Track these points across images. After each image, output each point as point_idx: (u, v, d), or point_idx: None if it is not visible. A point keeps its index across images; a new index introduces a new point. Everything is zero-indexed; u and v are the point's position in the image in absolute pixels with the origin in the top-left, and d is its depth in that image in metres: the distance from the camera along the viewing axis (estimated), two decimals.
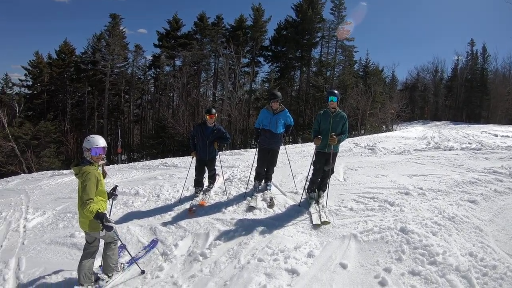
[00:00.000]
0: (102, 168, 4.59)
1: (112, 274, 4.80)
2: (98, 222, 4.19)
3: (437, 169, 8.89)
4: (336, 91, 6.54)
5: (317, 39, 42.99)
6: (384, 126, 38.43)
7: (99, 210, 4.17)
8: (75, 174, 4.40)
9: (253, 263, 4.72)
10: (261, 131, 7.37)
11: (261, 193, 7.38)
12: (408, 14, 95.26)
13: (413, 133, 22.01)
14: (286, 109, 7.43)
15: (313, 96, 39.47)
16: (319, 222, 5.75)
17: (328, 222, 5.73)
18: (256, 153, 7.72)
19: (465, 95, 54.02)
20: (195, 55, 39.18)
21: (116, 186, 5.18)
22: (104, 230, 4.28)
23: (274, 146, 7.34)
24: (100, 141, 4.38)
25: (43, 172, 20.44)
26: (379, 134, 22.20)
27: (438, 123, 45.14)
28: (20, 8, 75.30)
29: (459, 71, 56.22)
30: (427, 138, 17.47)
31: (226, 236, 5.63)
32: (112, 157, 37.01)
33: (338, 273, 4.39)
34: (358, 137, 19.86)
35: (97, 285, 4.62)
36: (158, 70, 42.37)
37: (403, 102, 39.93)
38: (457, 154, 10.98)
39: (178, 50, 39.36)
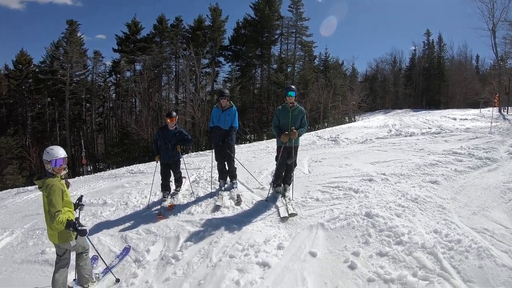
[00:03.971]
0: (65, 178, 4.48)
1: (88, 286, 4.71)
2: (71, 230, 4.12)
3: (399, 155, 9.16)
4: (293, 86, 6.65)
5: (276, 37, 43.38)
6: (346, 118, 39.17)
7: (68, 219, 4.09)
8: (39, 188, 4.31)
9: (224, 260, 4.74)
10: (213, 128, 7.51)
11: (228, 192, 7.41)
12: (365, 7, 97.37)
13: (374, 122, 22.53)
14: (234, 107, 7.54)
15: (275, 93, 39.74)
16: (287, 215, 5.81)
17: (295, 214, 5.81)
18: (213, 151, 7.77)
19: (423, 83, 56.45)
20: (155, 59, 38.76)
21: (82, 196, 5.06)
22: (77, 238, 4.27)
23: (225, 141, 7.39)
24: (59, 152, 4.30)
25: (7, 190, 19.67)
26: (342, 126, 22.57)
27: (399, 111, 46.30)
28: None
29: (416, 60, 58.76)
30: (389, 126, 17.93)
31: (196, 236, 5.63)
32: (77, 169, 36.05)
33: (308, 262, 4.46)
34: (321, 130, 20.16)
35: None
36: (118, 76, 41.57)
37: (364, 93, 40.94)
38: (418, 139, 11.36)
39: (138, 54, 38.74)
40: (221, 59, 43.85)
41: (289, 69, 44.02)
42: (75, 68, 38.18)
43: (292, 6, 43.27)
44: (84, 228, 4.14)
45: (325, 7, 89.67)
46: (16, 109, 38.97)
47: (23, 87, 38.98)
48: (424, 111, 38.06)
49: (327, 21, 71.74)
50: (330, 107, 36.94)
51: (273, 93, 40.29)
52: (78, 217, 4.49)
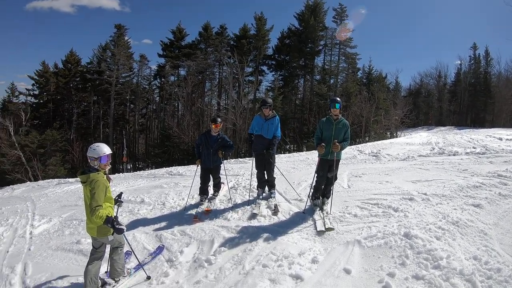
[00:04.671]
0: (106, 174, 4.68)
1: (119, 279, 4.87)
2: (108, 227, 4.30)
3: (441, 174, 8.89)
4: (338, 98, 6.58)
5: (320, 47, 43.09)
6: (388, 133, 38.30)
7: (108, 215, 4.28)
8: (82, 182, 4.48)
9: (257, 269, 4.75)
10: (254, 136, 7.51)
11: (266, 201, 7.43)
12: (410, 20, 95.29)
13: (417, 139, 21.91)
14: (277, 117, 7.55)
15: (317, 104, 39.44)
16: (323, 229, 5.78)
17: (332, 229, 5.75)
18: (253, 159, 7.81)
19: (469, 99, 53.62)
20: (200, 65, 39.40)
21: (122, 193, 5.30)
22: (113, 234, 4.43)
23: (267, 150, 7.39)
24: (105, 149, 4.50)
25: (49, 180, 20.63)
26: (383, 141, 22.11)
27: (442, 128, 44.88)
28: (25, 18, 76.26)
29: (462, 75, 55.82)
30: (432, 143, 17.40)
31: (231, 243, 5.67)
32: (117, 166, 37.18)
33: (342, 279, 4.41)
34: (362, 144, 19.81)
35: None
36: (163, 79, 42.57)
37: (407, 108, 39.83)
38: (462, 159, 10.98)
39: (183, 59, 39.59)
40: (265, 68, 44.11)
41: (332, 81, 43.63)
42: (121, 70, 39.58)
43: (336, 17, 42.88)
44: (121, 227, 4.33)
45: (368, 19, 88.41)
46: (63, 105, 41.03)
47: (71, 85, 40.79)
48: (468, 129, 36.63)
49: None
50: (372, 121, 36.24)
51: (315, 104, 39.93)
52: (117, 215, 4.67)
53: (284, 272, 4.61)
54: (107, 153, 4.51)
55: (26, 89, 40.25)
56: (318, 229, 5.84)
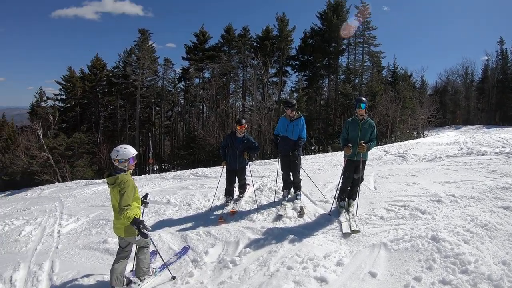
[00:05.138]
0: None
1: (144, 278, 5.01)
2: (134, 228, 4.42)
3: (469, 175, 8.68)
4: (364, 98, 6.56)
5: (344, 46, 42.58)
6: (415, 133, 37.59)
7: (135, 216, 4.41)
8: (110, 184, 4.61)
9: (282, 270, 4.78)
10: (279, 138, 7.54)
11: (291, 202, 7.46)
12: (434, 16, 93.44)
13: (444, 138, 21.49)
14: (302, 118, 7.54)
15: (342, 104, 39.04)
16: (349, 231, 5.77)
17: (358, 231, 5.73)
18: (279, 161, 7.82)
19: (497, 96, 51.38)
20: (223, 67, 39.59)
21: (147, 194, 5.45)
22: (139, 235, 4.52)
23: (293, 151, 7.37)
24: (132, 150, 4.65)
25: (76, 181, 21.30)
26: (410, 141, 21.73)
27: (470, 127, 43.59)
28: (51, 26, 78.48)
29: (489, 72, 53.39)
30: (459, 143, 17.06)
31: (256, 244, 5.73)
32: (143, 167, 37.82)
33: (367, 282, 4.40)
34: (388, 145, 19.55)
35: None
36: (187, 82, 43.05)
37: (433, 107, 38.98)
38: (491, 159, 10.70)
39: (207, 62, 39.89)
40: (289, 68, 43.93)
41: (356, 80, 43.06)
42: (146, 73, 40.13)
43: (359, 14, 42.00)
44: (146, 232, 4.44)
45: (391, 16, 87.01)
46: (90, 109, 41.93)
47: (97, 89, 41.83)
48: (497, 128, 35.55)
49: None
50: (398, 121, 35.61)
51: (340, 104, 39.52)
52: (142, 216, 4.81)
53: (309, 275, 4.62)
54: (134, 154, 4.66)
55: (53, 94, 41.40)
56: (343, 231, 5.83)
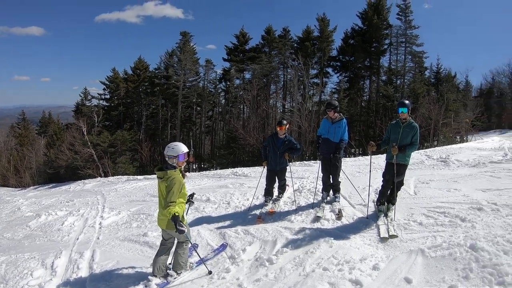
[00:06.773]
0: (182, 171, 5.08)
1: (181, 272, 5.26)
2: (172, 223, 4.68)
3: None
4: (406, 102, 6.51)
5: (385, 47, 41.44)
6: (458, 137, 36.28)
7: (176, 214, 4.66)
8: (159, 178, 4.90)
9: (317, 271, 4.84)
10: (321, 140, 7.59)
11: (330, 205, 7.53)
12: (479, 15, 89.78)
13: (489, 143, 20.64)
14: (345, 120, 7.56)
15: (383, 106, 38.28)
16: (387, 236, 5.79)
17: (396, 236, 5.74)
18: (319, 162, 7.90)
19: None
20: (264, 68, 39.66)
21: (194, 193, 5.72)
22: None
23: (334, 154, 7.42)
24: (183, 148, 4.90)
25: (118, 176, 22.20)
26: (453, 146, 21.03)
27: None
28: (95, 30, 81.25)
29: None
30: (504, 149, 16.32)
31: (293, 244, 5.83)
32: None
33: None
34: (430, 149, 19.05)
35: (165, 280, 5.09)
36: (228, 83, 43.47)
37: (478, 110, 37.47)
38: None
39: (247, 63, 40.18)
40: (330, 69, 43.27)
41: (398, 81, 41.93)
42: (188, 74, 40.99)
43: (400, 13, 40.57)
44: (181, 228, 4.65)
45: (433, 14, 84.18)
46: (132, 108, 43.69)
47: (140, 89, 43.27)
48: None
49: None
50: (441, 124, 34.47)
51: (381, 106, 38.75)
52: (186, 213, 5.06)
53: (344, 277, 4.65)
54: (185, 151, 4.89)
55: (98, 93, 43.63)
56: (381, 236, 5.86)
